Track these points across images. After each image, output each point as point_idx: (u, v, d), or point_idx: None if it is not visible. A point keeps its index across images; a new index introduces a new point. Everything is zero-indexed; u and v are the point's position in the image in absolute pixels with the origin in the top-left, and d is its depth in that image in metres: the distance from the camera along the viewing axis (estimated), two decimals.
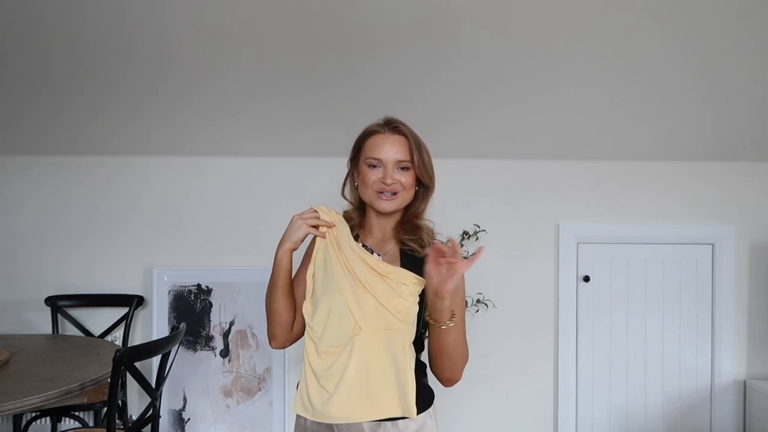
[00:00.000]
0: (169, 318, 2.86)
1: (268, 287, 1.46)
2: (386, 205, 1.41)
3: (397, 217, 1.47)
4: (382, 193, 1.41)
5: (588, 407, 2.96)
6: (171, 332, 2.10)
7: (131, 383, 2.78)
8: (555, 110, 2.71)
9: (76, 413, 2.62)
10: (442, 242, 1.33)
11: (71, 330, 2.87)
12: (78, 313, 2.89)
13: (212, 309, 2.87)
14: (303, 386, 1.38)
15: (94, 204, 2.93)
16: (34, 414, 2.62)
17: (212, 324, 2.87)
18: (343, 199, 1.52)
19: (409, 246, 1.42)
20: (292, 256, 1.43)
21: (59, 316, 2.83)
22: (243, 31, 2.42)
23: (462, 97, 2.65)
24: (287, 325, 1.46)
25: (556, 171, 2.93)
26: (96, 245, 2.92)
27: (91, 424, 2.78)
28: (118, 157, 2.93)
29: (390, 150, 1.40)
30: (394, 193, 1.41)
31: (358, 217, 1.50)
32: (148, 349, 1.99)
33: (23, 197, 2.94)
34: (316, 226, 1.43)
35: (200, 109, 2.72)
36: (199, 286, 2.87)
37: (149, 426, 2.09)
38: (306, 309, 1.40)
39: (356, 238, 1.47)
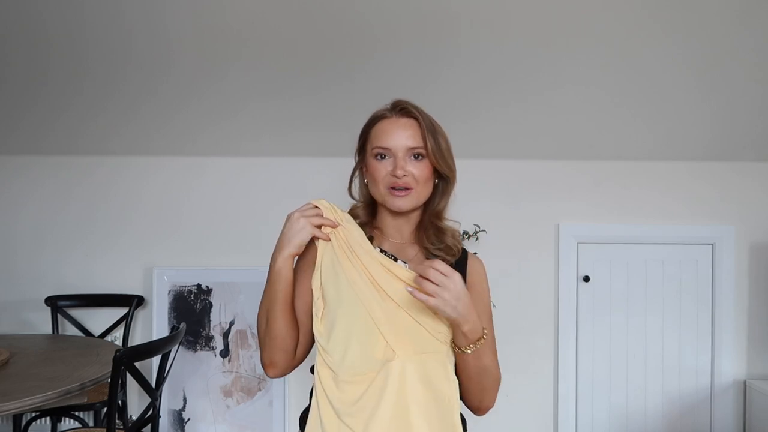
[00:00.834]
0: (169, 318, 2.86)
1: (264, 303, 1.18)
2: (400, 202, 1.18)
3: (416, 216, 1.25)
4: (394, 188, 1.18)
5: (588, 407, 2.95)
6: (171, 332, 2.10)
7: (131, 383, 2.77)
8: (555, 110, 2.71)
9: (76, 413, 2.62)
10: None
11: (71, 330, 2.87)
12: (78, 313, 2.89)
13: (212, 309, 2.87)
14: (316, 424, 1.11)
15: (94, 204, 2.93)
16: (34, 414, 2.62)
17: (212, 324, 2.87)
18: (347, 200, 1.34)
19: (437, 255, 1.22)
20: (294, 263, 1.18)
21: (59, 316, 2.83)
22: (243, 31, 2.42)
23: (462, 97, 2.65)
24: (290, 349, 1.19)
25: (556, 171, 2.93)
26: (96, 245, 2.92)
27: (91, 424, 2.78)
28: (118, 157, 2.93)
29: (399, 136, 1.17)
30: (408, 188, 1.18)
31: (366, 215, 1.27)
32: (148, 349, 1.99)
33: (23, 197, 2.94)
34: (319, 226, 1.17)
35: (200, 109, 2.72)
36: (199, 286, 2.87)
37: (149, 426, 2.09)
38: (318, 329, 1.15)
39: (370, 240, 1.23)
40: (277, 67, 2.55)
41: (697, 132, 2.82)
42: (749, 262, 2.96)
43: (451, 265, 1.13)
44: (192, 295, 2.87)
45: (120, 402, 2.56)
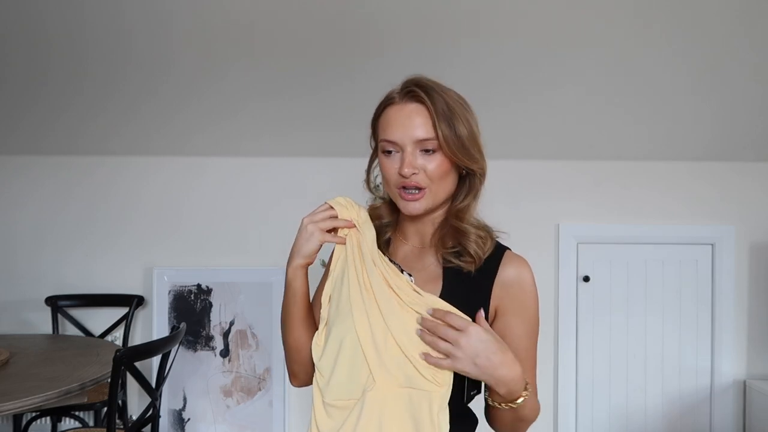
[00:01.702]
0: (169, 318, 2.86)
1: (281, 315, 1.10)
2: (411, 207, 1.00)
3: (439, 217, 1.06)
4: (405, 189, 1.00)
5: (588, 407, 2.95)
6: (171, 332, 2.10)
7: (131, 383, 2.77)
8: (555, 110, 2.71)
9: (76, 413, 2.62)
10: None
11: (71, 330, 2.87)
12: (78, 313, 2.89)
13: (212, 309, 2.87)
14: None
15: (94, 204, 2.93)
16: (34, 414, 2.62)
17: (212, 324, 2.87)
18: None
19: (453, 263, 1.01)
20: (306, 273, 1.06)
21: (59, 316, 2.83)
22: (243, 32, 2.42)
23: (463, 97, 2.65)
24: (307, 362, 1.07)
25: (556, 171, 2.93)
26: (96, 245, 2.92)
27: (91, 424, 2.78)
28: (118, 157, 2.93)
29: (405, 126, 0.98)
30: (420, 188, 0.99)
31: (390, 214, 1.10)
32: (148, 349, 2.00)
33: (23, 197, 2.93)
34: (334, 230, 1.04)
35: (200, 109, 2.72)
36: (199, 286, 2.87)
37: (149, 426, 2.09)
38: (316, 342, 1.03)
39: (388, 244, 1.09)
40: (277, 67, 2.55)
41: (697, 132, 2.82)
42: (749, 262, 2.96)
43: (469, 272, 0.99)
44: (192, 295, 2.87)
45: (120, 402, 2.56)
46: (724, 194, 2.95)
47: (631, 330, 2.95)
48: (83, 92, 2.65)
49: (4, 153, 2.92)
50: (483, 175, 1.07)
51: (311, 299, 1.11)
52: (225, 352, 2.86)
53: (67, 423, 2.81)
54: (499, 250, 1.05)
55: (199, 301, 2.87)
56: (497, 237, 1.06)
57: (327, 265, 1.11)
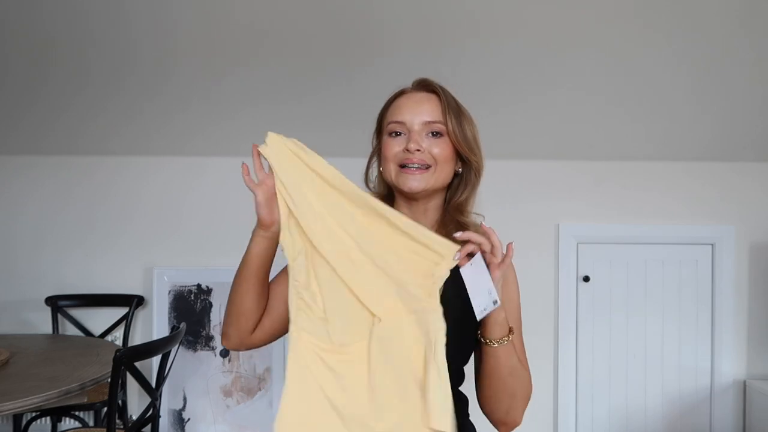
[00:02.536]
0: (169, 318, 2.86)
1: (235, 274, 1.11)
2: (412, 181, 1.02)
3: (435, 209, 1.11)
4: (407, 166, 1.03)
5: (588, 407, 2.95)
6: (171, 332, 2.10)
7: (131, 383, 2.77)
8: (555, 110, 2.71)
9: (76, 413, 2.62)
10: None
11: (71, 330, 2.87)
12: (78, 313, 2.89)
13: (212, 309, 2.87)
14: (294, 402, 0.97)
15: (94, 204, 2.93)
16: (34, 414, 2.62)
17: (212, 324, 2.87)
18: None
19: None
20: (264, 240, 1.11)
21: (59, 316, 2.83)
22: (243, 33, 2.42)
23: (463, 98, 2.64)
24: (243, 328, 1.09)
25: (556, 171, 2.93)
26: (96, 245, 2.92)
27: (91, 424, 2.78)
28: (118, 157, 2.93)
29: (416, 109, 1.04)
30: (425, 167, 1.03)
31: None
32: (148, 349, 2.00)
33: (23, 197, 2.94)
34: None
35: (200, 110, 2.72)
36: (199, 286, 2.87)
37: (149, 426, 2.09)
38: (303, 303, 1.02)
39: None
40: (278, 68, 2.55)
41: (696, 132, 2.82)
42: (749, 262, 2.96)
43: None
44: (192, 295, 2.87)
45: (120, 402, 2.56)
46: (724, 194, 2.95)
47: (631, 330, 2.95)
48: (83, 92, 2.65)
49: (4, 153, 2.92)
50: (479, 171, 1.11)
51: (275, 280, 1.12)
52: (225, 352, 2.86)
53: (67, 423, 2.82)
54: None
55: (199, 301, 2.87)
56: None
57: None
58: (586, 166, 2.93)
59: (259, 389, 2.86)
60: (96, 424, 2.75)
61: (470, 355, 1.10)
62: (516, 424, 1.06)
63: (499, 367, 1.00)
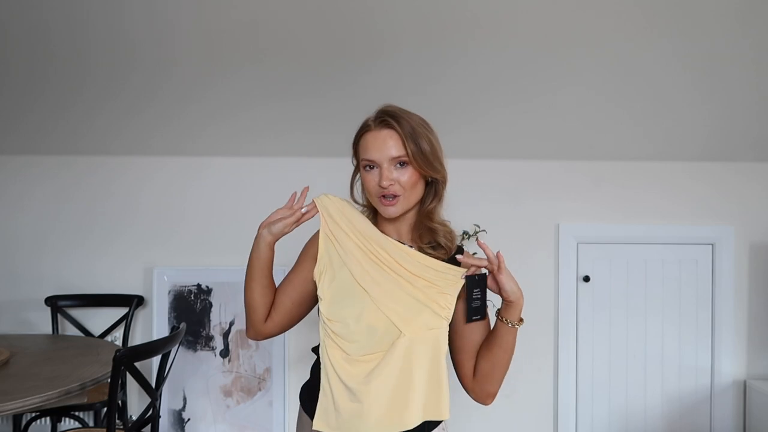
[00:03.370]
0: (169, 318, 2.86)
1: (246, 274, 1.38)
2: (390, 210, 1.28)
3: (411, 217, 1.34)
4: (384, 197, 1.28)
5: (588, 407, 2.96)
6: (171, 332, 2.10)
7: (131, 383, 2.78)
8: (555, 111, 2.71)
9: (76, 413, 2.62)
10: (471, 253, 1.30)
11: (71, 330, 2.87)
12: (78, 313, 2.89)
13: (212, 309, 2.87)
14: (328, 400, 1.25)
15: (94, 204, 2.93)
16: (34, 414, 2.62)
17: (212, 324, 2.87)
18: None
19: (431, 254, 1.31)
20: (272, 247, 1.36)
21: (59, 316, 2.83)
22: (244, 33, 2.42)
23: (463, 99, 2.65)
24: (255, 319, 1.36)
25: (556, 171, 2.93)
26: (96, 245, 2.92)
27: (91, 424, 2.78)
28: (118, 158, 2.93)
29: (381, 148, 1.25)
30: (396, 196, 1.27)
31: (371, 217, 1.39)
32: (148, 349, 1.99)
33: (23, 197, 2.94)
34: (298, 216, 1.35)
35: (200, 110, 2.73)
36: (199, 286, 2.87)
37: (149, 426, 2.09)
38: (326, 312, 1.28)
39: None
40: (278, 68, 2.55)
41: (696, 132, 2.82)
42: (749, 262, 2.96)
43: (443, 261, 1.29)
44: (192, 295, 2.87)
45: (120, 402, 2.56)
46: (723, 194, 2.95)
47: (631, 330, 2.95)
48: (84, 92, 2.65)
49: (4, 153, 2.92)
50: (444, 181, 1.34)
51: (283, 283, 1.38)
52: (225, 352, 2.87)
53: (67, 423, 2.82)
54: (459, 249, 1.37)
55: (199, 301, 2.87)
56: (458, 235, 1.36)
57: (305, 254, 1.38)
58: (586, 166, 2.93)
59: (259, 389, 2.86)
60: (96, 424, 2.75)
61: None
62: (496, 394, 1.33)
63: (508, 345, 1.28)
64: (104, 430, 2.15)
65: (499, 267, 1.23)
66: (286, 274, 1.41)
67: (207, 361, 2.86)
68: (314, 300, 1.36)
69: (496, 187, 2.93)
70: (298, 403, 1.44)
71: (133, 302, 2.84)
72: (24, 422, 2.64)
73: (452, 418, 2.90)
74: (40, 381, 1.89)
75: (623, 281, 2.95)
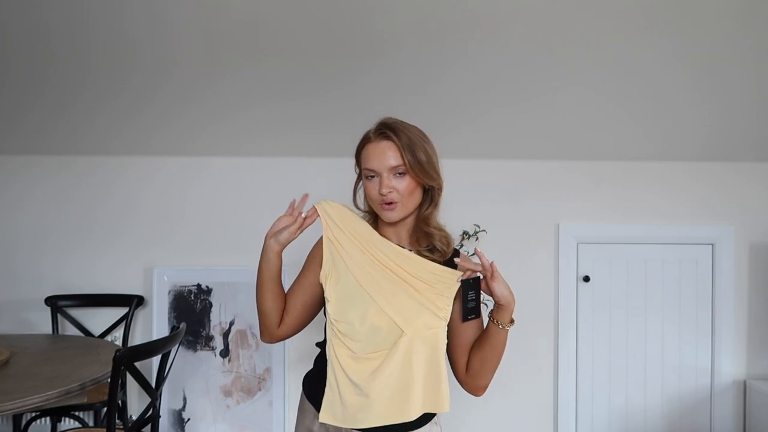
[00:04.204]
0: (169, 318, 2.86)
1: (257, 282, 1.43)
2: (389, 215, 1.37)
3: (410, 222, 1.43)
4: (384, 204, 1.37)
5: (588, 407, 2.96)
6: (171, 332, 2.10)
7: (131, 383, 2.78)
8: (555, 111, 2.71)
9: (76, 413, 2.62)
10: (467, 255, 1.37)
11: (71, 330, 2.87)
12: (78, 313, 2.89)
13: (212, 309, 2.87)
14: (334, 394, 1.33)
15: (94, 204, 2.93)
16: (34, 414, 2.62)
17: (212, 324, 2.87)
18: (347, 199, 1.49)
19: (428, 257, 1.39)
20: (280, 255, 1.39)
21: (59, 316, 2.83)
22: (244, 33, 2.42)
23: (464, 99, 2.65)
24: (268, 324, 1.42)
25: (556, 171, 2.93)
26: (96, 245, 2.92)
27: (91, 424, 2.78)
28: (118, 158, 2.93)
29: (381, 158, 1.35)
30: (394, 203, 1.36)
31: (372, 223, 1.46)
32: (148, 349, 1.99)
33: (23, 197, 2.94)
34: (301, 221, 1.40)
35: (200, 110, 2.72)
36: (199, 286, 2.87)
37: (149, 426, 2.09)
38: (333, 313, 1.35)
39: None
40: (278, 68, 2.55)
41: (696, 132, 2.82)
42: (749, 262, 2.96)
43: (439, 263, 1.38)
44: (192, 295, 2.87)
45: (120, 402, 2.56)
46: (723, 194, 2.95)
47: (631, 330, 2.95)
48: (84, 92, 2.65)
49: (4, 153, 2.92)
50: (440, 188, 1.43)
51: (292, 288, 1.45)
52: (225, 352, 2.87)
53: (67, 423, 2.82)
54: (455, 253, 1.44)
55: (199, 301, 2.87)
56: (455, 239, 1.47)
57: (312, 258, 1.45)
58: (586, 166, 2.94)
59: (259, 389, 2.86)
60: (96, 424, 2.75)
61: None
62: (486, 387, 1.41)
63: (499, 345, 1.36)
64: (104, 430, 2.15)
65: (492, 275, 1.32)
66: (286, 274, 1.45)
67: (207, 361, 2.86)
68: (323, 301, 1.42)
69: (496, 187, 2.93)
70: (298, 397, 1.51)
71: (133, 302, 2.84)
72: (24, 422, 2.64)
73: (453, 418, 2.90)
74: (40, 381, 1.89)
75: (623, 281, 2.95)
